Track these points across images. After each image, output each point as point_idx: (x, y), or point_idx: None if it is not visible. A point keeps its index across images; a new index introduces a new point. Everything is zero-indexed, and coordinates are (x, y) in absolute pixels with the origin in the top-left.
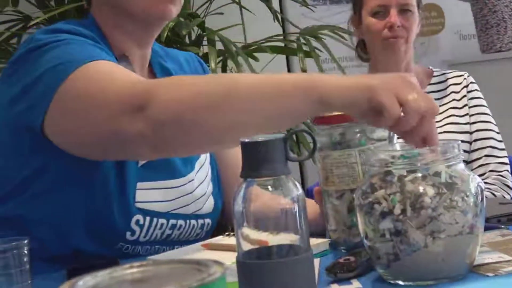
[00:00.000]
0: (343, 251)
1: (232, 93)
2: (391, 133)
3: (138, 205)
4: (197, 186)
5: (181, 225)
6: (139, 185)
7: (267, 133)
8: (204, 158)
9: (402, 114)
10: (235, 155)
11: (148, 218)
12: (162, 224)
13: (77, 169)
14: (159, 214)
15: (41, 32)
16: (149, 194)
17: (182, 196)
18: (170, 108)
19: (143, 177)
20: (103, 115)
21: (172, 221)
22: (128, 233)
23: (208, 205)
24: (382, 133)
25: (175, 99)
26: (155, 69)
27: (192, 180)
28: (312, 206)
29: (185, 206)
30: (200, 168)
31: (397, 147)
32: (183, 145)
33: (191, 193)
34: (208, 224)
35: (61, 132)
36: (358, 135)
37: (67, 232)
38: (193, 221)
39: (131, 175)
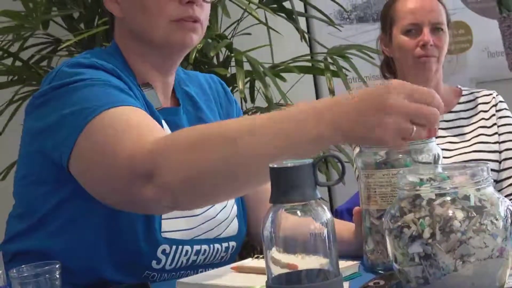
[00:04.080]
0: (380, 272)
1: (239, 147)
2: (436, 156)
3: (164, 234)
4: (219, 211)
5: (205, 250)
6: (164, 215)
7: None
8: None
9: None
10: None
11: (174, 247)
12: (187, 251)
13: (102, 203)
14: (184, 242)
15: (65, 66)
16: (174, 223)
17: (205, 222)
18: (178, 174)
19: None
20: (115, 181)
21: (196, 247)
22: (154, 262)
23: (232, 228)
24: (427, 156)
25: (181, 166)
26: (178, 95)
27: (214, 205)
28: (346, 226)
29: (208, 231)
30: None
31: (440, 169)
32: (202, 202)
33: (213, 218)
34: (233, 247)
35: (81, 179)
36: (402, 155)
37: (93, 263)
38: (217, 245)
39: None
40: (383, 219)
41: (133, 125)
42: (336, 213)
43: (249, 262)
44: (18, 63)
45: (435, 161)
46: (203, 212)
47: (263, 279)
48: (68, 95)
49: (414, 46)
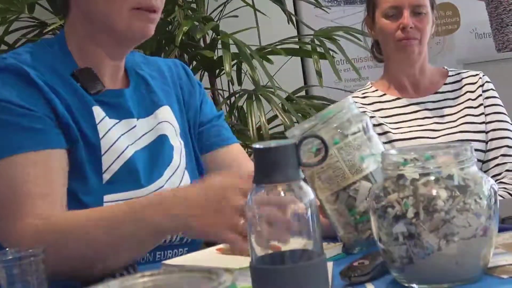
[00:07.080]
0: (359, 251)
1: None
2: (365, 126)
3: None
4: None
5: None
6: (106, 198)
7: None
8: (177, 163)
9: None
10: (230, 157)
11: None
12: None
13: None
14: None
15: None
16: (118, 196)
17: None
18: None
19: (109, 190)
20: None
21: None
22: None
23: None
24: (355, 126)
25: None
26: (131, 77)
27: (162, 186)
28: None
29: None
30: (173, 174)
31: (376, 137)
32: None
33: None
34: None
35: None
36: (332, 135)
37: None
38: None
39: (96, 190)
40: (339, 199)
41: (22, 195)
42: None
43: None
44: (3, 47)
45: (365, 131)
46: (148, 195)
47: (247, 260)
48: None
49: (395, 29)
